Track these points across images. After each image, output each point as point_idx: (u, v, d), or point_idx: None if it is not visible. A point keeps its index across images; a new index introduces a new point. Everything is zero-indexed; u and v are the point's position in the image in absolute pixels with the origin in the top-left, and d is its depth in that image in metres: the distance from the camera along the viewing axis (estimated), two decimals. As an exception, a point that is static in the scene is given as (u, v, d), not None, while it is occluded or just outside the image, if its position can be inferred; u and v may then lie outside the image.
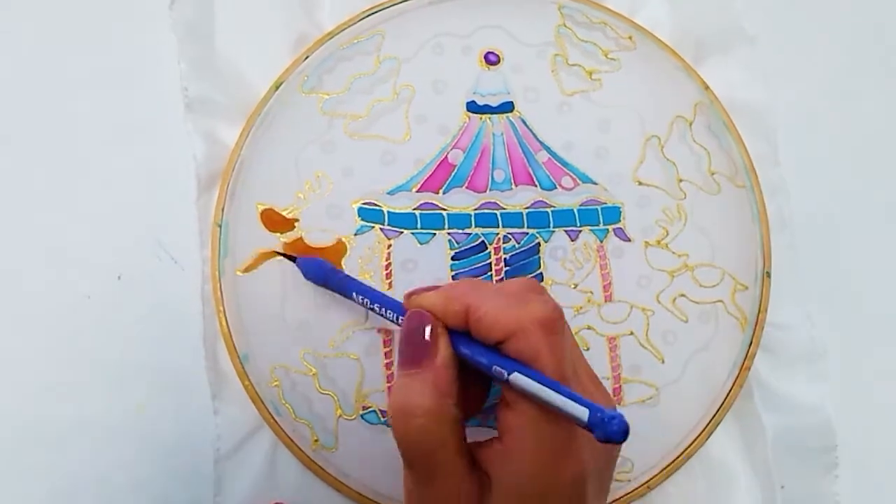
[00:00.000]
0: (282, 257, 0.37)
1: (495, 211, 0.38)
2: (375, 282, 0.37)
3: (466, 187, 0.38)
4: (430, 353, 0.29)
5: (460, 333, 0.30)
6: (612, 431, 0.25)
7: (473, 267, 0.38)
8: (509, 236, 0.38)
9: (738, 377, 0.38)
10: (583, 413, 0.26)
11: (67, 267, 0.38)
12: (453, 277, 0.38)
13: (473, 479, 0.28)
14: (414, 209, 0.38)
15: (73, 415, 0.37)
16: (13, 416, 0.37)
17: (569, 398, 0.26)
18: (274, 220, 0.38)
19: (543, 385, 0.27)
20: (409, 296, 0.31)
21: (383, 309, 0.33)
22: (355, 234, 0.38)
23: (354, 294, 0.34)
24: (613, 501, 0.37)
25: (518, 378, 0.27)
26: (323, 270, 0.36)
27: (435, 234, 0.38)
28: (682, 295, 0.38)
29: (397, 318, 0.32)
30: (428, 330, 0.30)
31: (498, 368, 0.28)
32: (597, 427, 0.25)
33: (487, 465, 0.28)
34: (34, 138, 0.39)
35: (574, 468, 0.28)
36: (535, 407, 0.27)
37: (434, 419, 0.28)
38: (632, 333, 0.38)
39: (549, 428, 0.27)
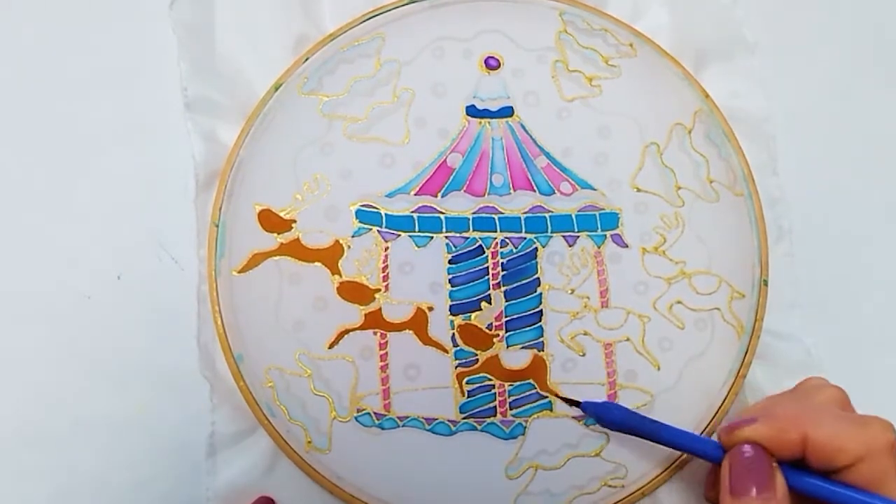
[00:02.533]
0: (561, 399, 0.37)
1: (493, 215, 0.38)
2: (373, 284, 0.37)
3: (465, 191, 0.38)
4: (770, 484, 0.29)
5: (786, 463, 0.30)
6: None
7: (471, 271, 0.38)
8: (507, 241, 0.38)
9: (733, 385, 0.38)
10: None
11: (67, 267, 0.38)
12: (450, 281, 0.38)
13: None
14: (412, 212, 0.38)
15: (72, 414, 0.37)
16: (13, 415, 0.37)
17: None
18: (271, 221, 0.38)
19: None
20: (731, 430, 0.31)
21: (699, 450, 0.33)
22: (353, 236, 0.38)
23: (661, 436, 0.34)
24: (607, 508, 0.37)
25: None
26: (623, 415, 0.35)
27: (432, 237, 0.38)
28: (679, 302, 0.38)
29: (717, 458, 0.32)
30: (764, 464, 0.29)
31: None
32: None
33: None
34: (34, 138, 0.39)
35: None
36: None
37: None
38: (628, 339, 0.38)
39: None
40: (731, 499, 0.29)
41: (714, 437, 0.34)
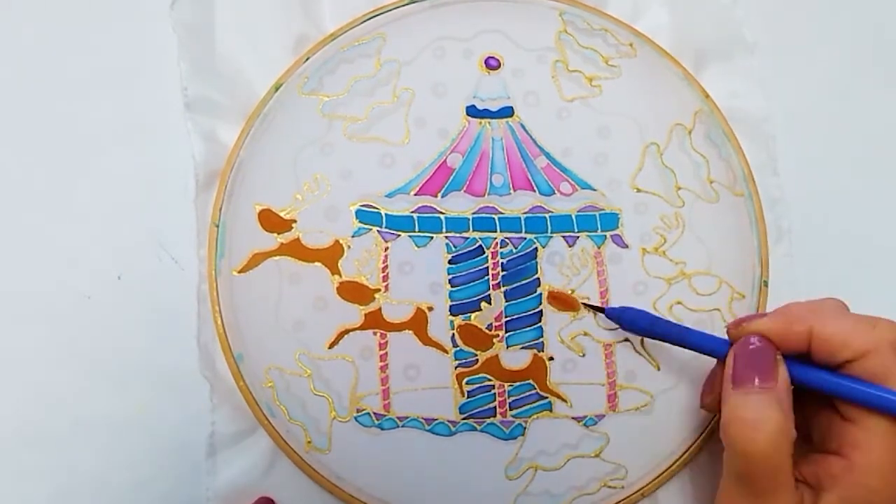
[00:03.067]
0: (585, 307, 0.38)
1: (493, 215, 0.38)
2: (373, 284, 0.37)
3: (465, 191, 0.38)
4: (773, 374, 0.30)
5: (791, 357, 0.30)
6: None
7: (470, 271, 0.38)
8: (507, 241, 0.38)
9: (733, 386, 0.38)
10: None
11: (67, 267, 0.38)
12: (450, 281, 0.38)
13: (799, 496, 0.29)
14: (412, 212, 0.38)
15: (72, 415, 0.37)
16: (13, 415, 0.37)
17: None
18: (271, 221, 0.38)
19: None
20: (738, 324, 0.32)
21: (707, 347, 0.34)
22: (353, 236, 0.38)
23: (672, 335, 0.35)
24: (606, 508, 0.37)
25: None
26: (644, 319, 0.36)
27: (432, 237, 0.38)
28: (679, 302, 0.38)
29: (723, 354, 0.33)
30: (771, 351, 0.30)
31: (887, 393, 0.28)
32: None
33: (820, 480, 0.29)
34: (34, 138, 0.39)
35: None
36: (887, 422, 0.28)
37: (782, 438, 0.28)
38: (627, 340, 0.38)
39: None
40: (732, 389, 0.30)
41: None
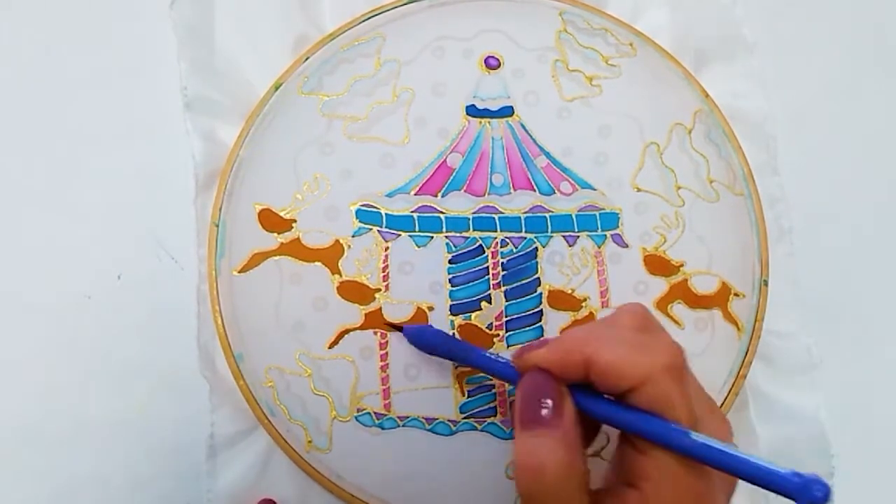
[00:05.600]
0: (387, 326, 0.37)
1: (493, 215, 0.38)
2: (373, 284, 0.37)
3: (465, 191, 0.38)
4: (555, 412, 0.28)
5: (577, 385, 0.29)
6: (817, 497, 0.24)
7: (471, 270, 0.38)
8: (507, 240, 0.38)
9: (733, 385, 0.38)
10: (780, 480, 0.25)
11: (67, 267, 0.38)
12: (450, 281, 0.38)
13: None
14: (412, 212, 0.38)
15: (72, 414, 0.37)
16: (13, 416, 0.37)
17: (762, 466, 0.25)
18: (272, 221, 0.38)
19: (726, 454, 0.26)
20: (521, 354, 0.30)
21: (498, 372, 0.33)
22: (353, 236, 0.38)
23: (467, 358, 0.34)
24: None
25: (697, 444, 0.26)
26: (434, 338, 0.35)
27: (433, 237, 0.38)
28: (679, 302, 0.38)
29: (516, 382, 0.31)
30: (551, 388, 0.29)
31: (663, 426, 0.27)
32: (799, 494, 0.24)
33: None
34: (33, 137, 0.39)
35: None
36: (675, 455, 0.27)
37: (566, 476, 0.27)
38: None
39: (692, 476, 0.27)
40: (520, 430, 0.28)
41: None
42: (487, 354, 0.33)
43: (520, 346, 0.31)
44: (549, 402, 0.28)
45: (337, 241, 0.38)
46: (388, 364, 0.37)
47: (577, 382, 0.29)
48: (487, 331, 0.37)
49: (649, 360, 0.27)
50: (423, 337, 0.36)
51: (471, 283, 0.38)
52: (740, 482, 0.27)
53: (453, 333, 0.37)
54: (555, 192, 0.39)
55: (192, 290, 0.38)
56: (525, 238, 0.38)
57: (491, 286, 0.38)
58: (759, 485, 0.25)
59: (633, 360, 0.27)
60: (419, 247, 0.38)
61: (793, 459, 0.39)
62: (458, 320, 0.37)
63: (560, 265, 0.38)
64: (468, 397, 0.37)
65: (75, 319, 0.37)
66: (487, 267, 0.38)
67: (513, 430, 0.30)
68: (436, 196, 0.38)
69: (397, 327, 0.37)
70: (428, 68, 0.40)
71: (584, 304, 0.38)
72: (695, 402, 0.28)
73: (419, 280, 0.38)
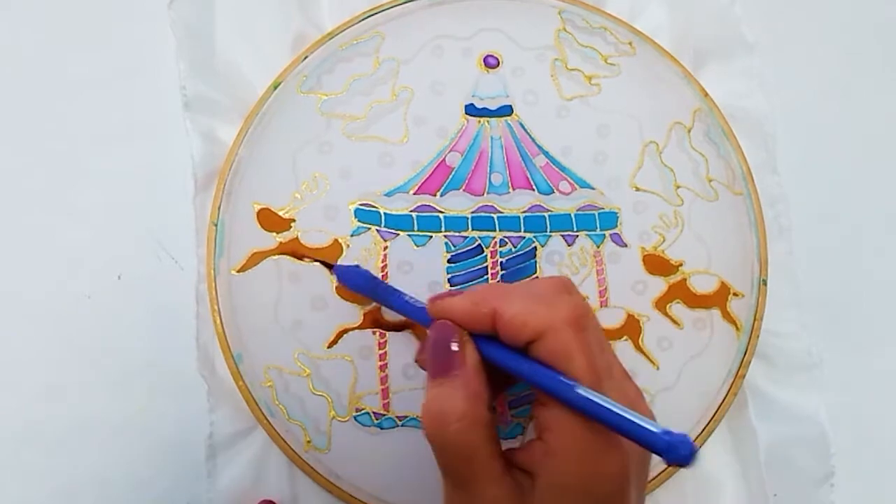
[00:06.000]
0: (318, 263, 0.37)
1: (492, 214, 0.38)
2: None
3: (464, 190, 0.38)
4: (459, 361, 0.29)
5: (488, 337, 0.29)
6: (683, 455, 0.25)
7: (469, 270, 0.38)
8: (506, 240, 0.38)
9: (732, 385, 0.38)
10: (649, 436, 0.25)
11: (67, 267, 0.38)
12: (449, 280, 0.38)
13: (511, 483, 0.28)
14: (411, 211, 0.38)
15: (72, 414, 0.37)
16: (14, 416, 0.37)
17: (634, 421, 0.26)
18: (270, 220, 0.38)
19: (604, 408, 0.26)
20: (434, 301, 0.31)
21: (416, 317, 0.33)
22: (352, 235, 0.38)
23: (389, 301, 0.35)
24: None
25: (580, 396, 0.27)
26: (360, 277, 0.36)
27: (431, 236, 0.38)
28: (678, 301, 0.38)
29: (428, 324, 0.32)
30: (454, 338, 0.29)
31: (553, 378, 0.27)
32: (666, 451, 0.25)
33: (530, 466, 0.28)
34: (33, 138, 0.39)
35: (618, 462, 0.27)
36: (571, 409, 0.27)
37: (469, 424, 0.28)
38: (627, 339, 0.38)
39: (589, 430, 0.27)
40: (429, 379, 0.29)
41: None
42: (407, 299, 0.34)
43: (433, 295, 0.31)
44: (453, 349, 0.29)
45: (336, 240, 0.38)
46: (386, 364, 0.37)
47: (485, 334, 0.29)
48: (486, 330, 0.37)
49: (550, 313, 0.28)
50: (350, 276, 0.36)
51: (470, 283, 0.38)
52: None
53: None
54: (554, 192, 0.39)
55: (191, 289, 0.38)
56: (524, 237, 0.38)
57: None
58: (632, 439, 0.26)
59: (535, 311, 0.28)
60: (418, 246, 0.38)
61: (793, 458, 0.39)
62: (457, 320, 0.37)
63: (559, 264, 0.38)
64: (467, 397, 0.37)
65: (75, 319, 0.38)
66: (486, 266, 0.38)
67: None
68: (435, 195, 0.38)
69: (328, 265, 0.37)
70: (427, 67, 0.40)
71: (582, 303, 0.38)
72: (599, 361, 0.28)
73: (418, 279, 0.38)
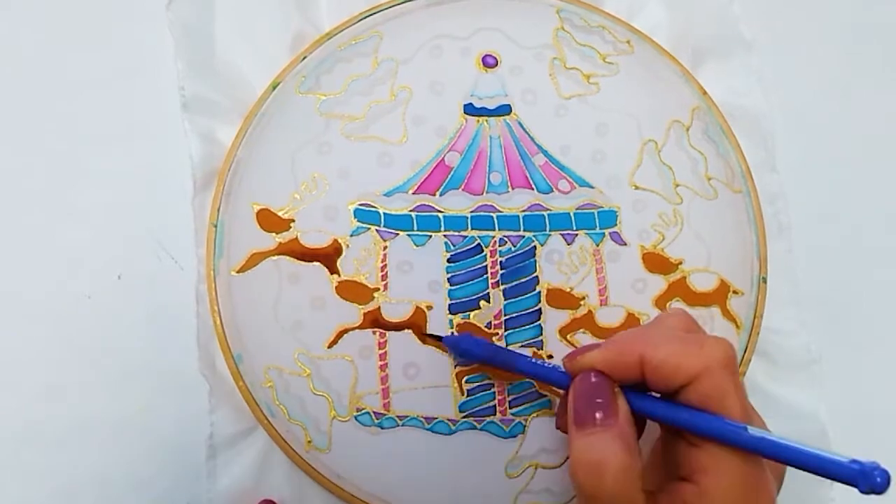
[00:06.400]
0: (427, 337, 0.37)
1: (491, 213, 0.38)
2: (371, 283, 0.37)
3: (463, 189, 0.38)
4: (612, 410, 0.29)
5: (630, 388, 0.29)
6: (877, 483, 0.25)
7: (469, 269, 0.38)
8: (505, 239, 0.38)
9: (732, 382, 0.38)
10: (839, 469, 0.25)
11: (67, 267, 0.38)
12: (449, 280, 0.38)
13: None
14: (410, 211, 0.38)
15: (72, 414, 0.37)
16: (13, 415, 0.37)
17: (822, 456, 0.26)
18: (270, 221, 0.38)
19: (788, 447, 0.26)
20: (572, 357, 0.31)
21: (549, 379, 0.33)
22: (351, 236, 0.38)
23: (514, 366, 0.34)
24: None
25: (753, 438, 0.27)
26: (477, 346, 0.35)
27: (431, 236, 0.38)
28: (678, 300, 0.38)
29: (566, 385, 0.32)
30: (605, 388, 0.29)
31: (718, 421, 0.27)
32: (858, 481, 0.25)
33: None
34: (33, 138, 0.39)
35: (770, 495, 0.28)
36: (731, 448, 0.27)
37: (628, 475, 0.28)
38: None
39: (747, 465, 0.27)
40: (576, 430, 0.29)
41: None
42: (535, 361, 0.33)
43: (571, 349, 0.31)
44: (604, 400, 0.29)
45: (335, 240, 0.38)
46: (387, 363, 0.37)
47: (630, 383, 0.29)
48: (486, 329, 0.37)
49: (704, 355, 0.28)
50: (466, 346, 0.36)
51: (469, 282, 0.38)
52: (790, 469, 0.28)
53: (452, 332, 0.37)
54: (553, 191, 0.39)
55: (191, 290, 0.38)
56: (523, 237, 0.38)
57: (489, 285, 0.38)
58: (819, 474, 0.26)
59: (688, 355, 0.28)
60: (417, 246, 0.38)
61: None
62: (457, 319, 0.37)
63: (558, 263, 0.38)
64: (467, 396, 0.37)
65: (75, 319, 0.37)
66: (486, 266, 0.38)
67: (565, 431, 0.31)
68: (434, 195, 0.38)
69: (437, 337, 0.37)
70: (425, 67, 0.40)
71: (582, 302, 0.38)
72: (745, 399, 0.28)
73: (418, 279, 0.38)
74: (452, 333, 0.37)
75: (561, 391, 0.35)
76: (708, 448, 0.28)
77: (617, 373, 0.29)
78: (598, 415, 0.29)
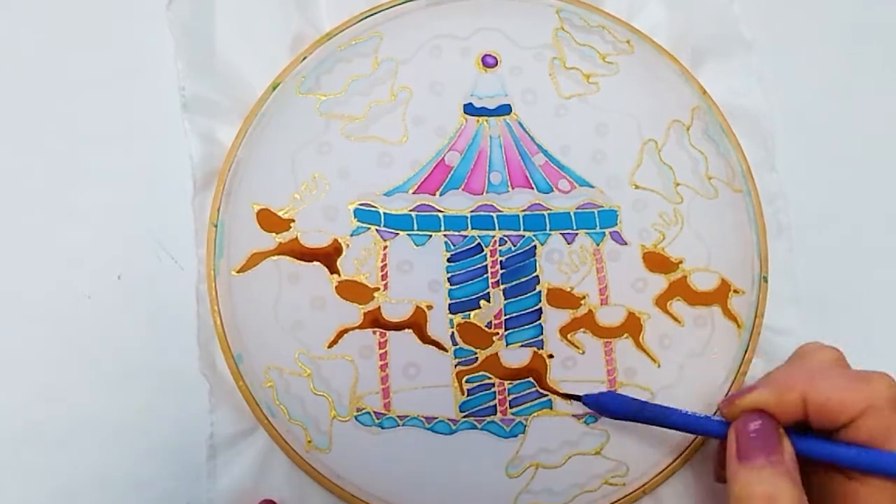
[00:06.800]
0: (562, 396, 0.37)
1: (491, 213, 0.38)
2: (371, 283, 0.37)
3: (463, 189, 0.38)
4: (778, 448, 0.29)
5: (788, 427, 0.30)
6: None
7: (469, 269, 0.38)
8: (505, 239, 0.38)
9: (734, 382, 0.38)
10: None
11: (67, 267, 0.38)
12: (449, 279, 0.38)
13: None
14: (410, 210, 0.38)
15: (72, 414, 0.37)
16: (13, 415, 0.37)
17: None
18: (270, 221, 0.38)
19: None
20: (730, 402, 0.31)
21: (704, 430, 0.33)
22: (351, 235, 0.38)
23: (665, 420, 0.34)
24: (608, 506, 0.37)
25: None
26: (622, 404, 0.35)
27: (431, 235, 0.38)
28: (678, 299, 0.38)
29: (722, 434, 0.32)
30: (771, 431, 0.30)
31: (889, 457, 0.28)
32: None
33: None
34: (33, 138, 0.39)
35: None
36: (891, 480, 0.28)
37: None
38: (627, 337, 0.38)
39: None
40: (738, 463, 0.29)
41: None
42: (688, 413, 0.34)
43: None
44: (770, 441, 0.29)
45: (335, 240, 0.38)
46: (387, 363, 0.37)
47: (791, 422, 0.30)
48: (486, 329, 0.37)
49: (871, 390, 0.28)
50: (610, 404, 0.36)
51: (469, 282, 0.38)
52: None
53: (452, 333, 0.37)
54: (553, 190, 0.39)
55: (192, 290, 0.38)
56: (523, 236, 0.38)
57: (490, 284, 0.38)
58: None
59: (854, 391, 0.28)
60: (418, 245, 0.38)
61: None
62: (458, 319, 0.37)
63: (559, 263, 0.38)
64: (468, 396, 0.37)
65: (75, 319, 0.38)
66: (486, 265, 0.38)
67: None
68: (434, 195, 0.38)
69: (576, 397, 0.36)
70: (425, 67, 0.40)
71: (582, 301, 0.38)
72: None
73: (418, 279, 0.38)
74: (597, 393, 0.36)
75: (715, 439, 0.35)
76: (870, 482, 0.28)
77: (779, 413, 0.30)
78: (763, 454, 0.29)
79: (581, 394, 0.36)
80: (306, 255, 0.37)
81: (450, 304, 0.37)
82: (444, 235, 0.38)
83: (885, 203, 0.43)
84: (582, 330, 0.38)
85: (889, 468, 0.28)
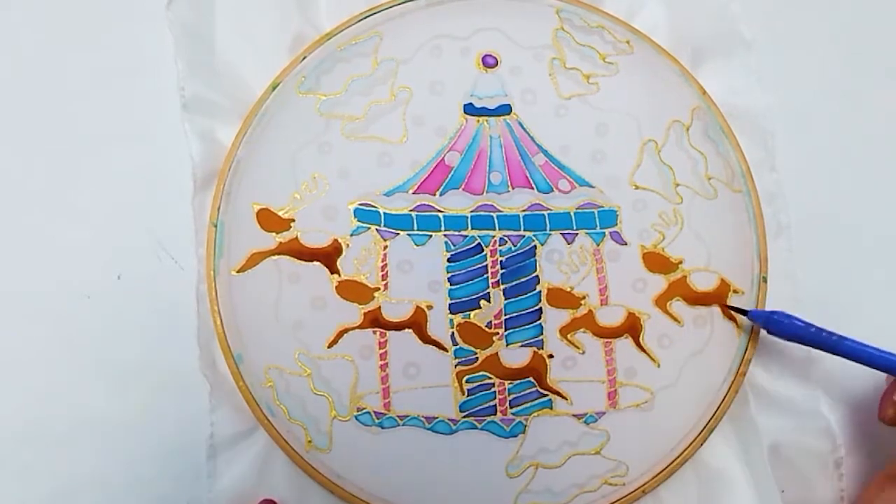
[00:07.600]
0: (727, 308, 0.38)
1: (492, 213, 0.38)
2: (372, 283, 0.37)
3: (463, 189, 0.38)
4: None
5: None
6: None
7: (469, 269, 0.38)
8: (505, 239, 0.38)
9: (733, 382, 0.38)
10: None
11: (67, 267, 0.38)
12: (449, 279, 0.38)
13: None
14: (410, 210, 0.38)
15: (72, 414, 0.37)
16: (13, 415, 0.37)
17: None
18: (270, 221, 0.38)
19: None
20: None
21: (883, 365, 0.34)
22: (351, 235, 0.38)
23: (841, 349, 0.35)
24: (608, 506, 0.37)
25: None
26: (793, 326, 0.36)
27: (431, 235, 0.38)
28: (678, 299, 0.38)
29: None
30: None
31: None
32: None
33: None
34: (33, 138, 0.39)
35: None
36: None
37: None
38: (627, 337, 0.38)
39: None
40: None
41: None
42: (866, 345, 0.34)
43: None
44: None
45: (335, 240, 0.38)
46: (387, 363, 0.37)
47: None
48: (486, 329, 0.37)
49: None
50: (782, 325, 0.36)
51: (470, 282, 0.38)
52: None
53: (452, 333, 0.37)
54: (553, 190, 0.39)
55: (192, 290, 0.38)
56: (524, 236, 0.38)
57: (490, 284, 0.38)
58: None
59: None
60: (418, 245, 0.38)
61: (798, 454, 0.39)
62: (458, 319, 0.37)
63: (559, 263, 0.38)
64: (468, 396, 0.37)
65: (75, 319, 0.38)
66: (486, 265, 0.38)
67: None
68: (434, 195, 0.38)
69: (742, 311, 0.37)
70: (425, 67, 0.40)
71: (582, 301, 0.38)
72: None
73: (418, 279, 0.38)
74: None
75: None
76: None
77: None
78: None
79: (748, 310, 0.37)
80: (306, 254, 0.37)
81: (450, 304, 0.37)
82: (445, 235, 0.38)
83: (885, 203, 0.43)
84: (582, 330, 0.38)
85: None
